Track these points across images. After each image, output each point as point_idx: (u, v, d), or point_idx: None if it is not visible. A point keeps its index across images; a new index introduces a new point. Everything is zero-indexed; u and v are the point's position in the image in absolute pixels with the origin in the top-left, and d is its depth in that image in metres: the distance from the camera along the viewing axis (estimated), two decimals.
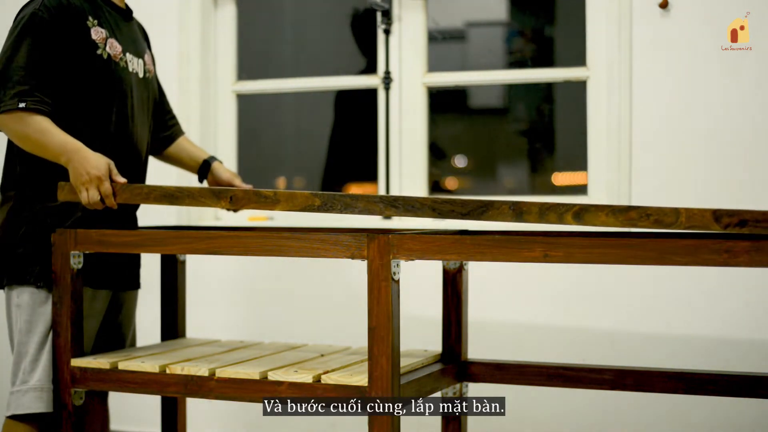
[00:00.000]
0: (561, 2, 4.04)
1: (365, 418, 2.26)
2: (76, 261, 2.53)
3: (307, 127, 4.26)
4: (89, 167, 2.45)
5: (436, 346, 3.02)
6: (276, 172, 4.44)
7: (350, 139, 4.18)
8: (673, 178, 3.27)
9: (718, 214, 1.97)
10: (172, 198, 2.40)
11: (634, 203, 3.30)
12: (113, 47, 2.63)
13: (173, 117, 3.03)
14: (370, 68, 3.83)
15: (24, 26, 2.50)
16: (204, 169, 2.94)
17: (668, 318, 3.29)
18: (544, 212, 2.09)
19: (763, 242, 1.96)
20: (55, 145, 2.47)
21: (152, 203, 2.44)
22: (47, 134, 2.47)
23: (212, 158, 2.95)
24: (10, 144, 2.61)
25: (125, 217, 2.75)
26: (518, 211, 2.10)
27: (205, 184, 2.97)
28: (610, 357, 3.29)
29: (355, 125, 4.10)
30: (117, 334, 2.82)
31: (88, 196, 2.46)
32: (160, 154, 3.01)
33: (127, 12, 2.79)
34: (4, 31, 2.62)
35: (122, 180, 2.49)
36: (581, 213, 2.06)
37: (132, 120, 2.69)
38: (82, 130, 2.58)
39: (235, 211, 2.57)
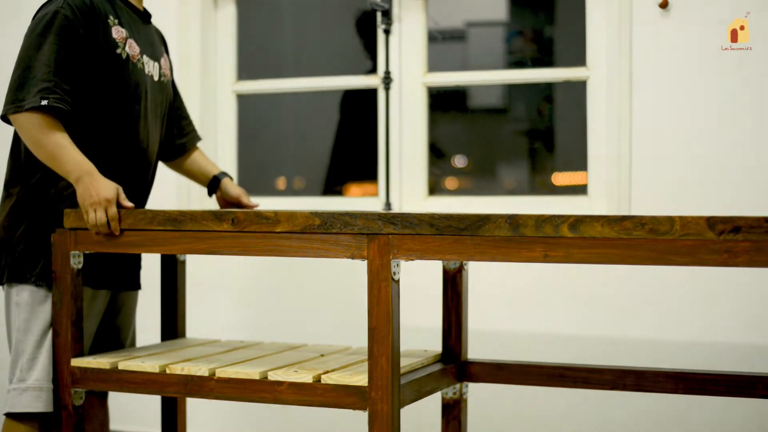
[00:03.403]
0: (561, 2, 4.04)
1: (365, 418, 2.26)
2: (76, 261, 2.53)
3: (307, 127, 4.26)
4: (99, 189, 2.46)
5: (436, 346, 3.02)
6: (276, 172, 4.45)
7: (351, 138, 4.19)
8: (674, 179, 3.27)
9: (712, 222, 2.00)
10: (176, 222, 2.43)
11: (634, 203, 3.30)
12: (132, 47, 2.64)
13: (190, 123, 3.03)
14: (371, 68, 3.84)
15: (47, 24, 2.50)
16: (213, 184, 2.96)
17: (668, 320, 3.29)
18: (540, 225, 2.12)
19: (763, 242, 1.96)
20: (70, 162, 2.48)
21: (156, 228, 2.46)
22: (63, 149, 2.48)
23: (222, 174, 2.97)
24: (16, 141, 2.61)
25: None
26: (514, 225, 2.14)
27: (213, 198, 3.00)
28: (610, 358, 3.30)
29: (356, 125, 4.10)
30: (115, 336, 2.82)
31: (96, 217, 2.47)
32: (172, 161, 3.01)
33: (146, 15, 2.80)
34: (18, 29, 2.63)
35: (130, 204, 2.50)
36: (577, 224, 2.10)
37: (144, 122, 2.69)
38: (94, 128, 2.58)
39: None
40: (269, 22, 4.32)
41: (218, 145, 3.94)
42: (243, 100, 3.99)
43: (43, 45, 2.49)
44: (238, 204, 2.92)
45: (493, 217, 2.15)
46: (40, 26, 2.51)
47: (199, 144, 3.05)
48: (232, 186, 2.95)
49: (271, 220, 2.33)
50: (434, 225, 2.19)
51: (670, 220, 2.02)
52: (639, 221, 2.05)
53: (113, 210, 2.47)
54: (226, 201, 2.94)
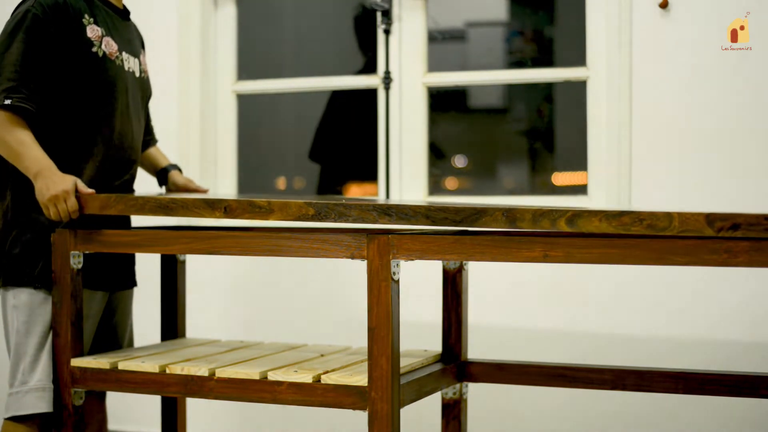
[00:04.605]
0: (561, 2, 4.04)
1: (365, 418, 2.26)
2: (76, 261, 2.53)
3: (307, 127, 4.26)
4: (56, 182, 2.48)
5: (436, 346, 3.02)
6: (276, 172, 4.45)
7: (350, 138, 4.18)
8: (673, 178, 3.27)
9: (711, 218, 1.96)
10: (167, 209, 2.42)
11: (634, 203, 3.30)
12: (109, 45, 2.65)
13: (150, 121, 3.06)
14: (371, 68, 3.83)
15: (17, 23, 2.52)
16: (162, 175, 3.01)
17: (668, 319, 3.29)
18: (537, 218, 2.09)
19: (763, 242, 1.96)
20: (29, 158, 2.49)
21: (147, 214, 2.45)
22: (25, 146, 2.50)
23: (171, 166, 3.01)
24: None
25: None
26: (511, 218, 2.11)
27: (163, 189, 3.04)
28: (610, 358, 3.29)
29: (354, 124, 4.09)
30: (113, 335, 2.82)
31: (57, 211, 2.50)
32: None
33: (125, 12, 2.81)
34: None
35: (89, 191, 2.51)
36: (574, 219, 2.06)
37: (127, 117, 2.70)
38: (77, 127, 2.59)
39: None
40: (269, 22, 4.32)
41: (218, 145, 3.94)
42: (243, 100, 3.99)
43: (11, 45, 2.51)
44: (186, 191, 2.95)
45: (489, 210, 2.13)
46: (11, 26, 2.54)
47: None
48: (179, 176, 2.99)
49: (264, 209, 2.32)
50: (430, 217, 2.17)
51: (669, 216, 1.99)
52: (637, 217, 2.01)
53: (71, 201, 2.48)
54: (174, 191, 2.98)
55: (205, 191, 2.96)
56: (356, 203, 2.24)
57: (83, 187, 2.51)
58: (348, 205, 2.23)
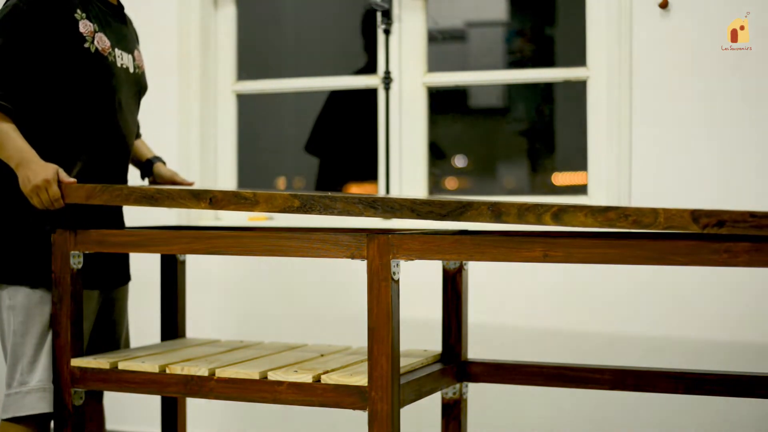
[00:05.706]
0: (561, 2, 4.04)
1: (365, 418, 2.26)
2: (76, 261, 2.53)
3: (307, 127, 4.26)
4: (37, 172, 2.47)
5: (436, 346, 3.02)
6: (276, 172, 4.45)
7: (349, 138, 4.19)
8: (673, 179, 3.27)
9: (696, 215, 1.95)
10: (152, 200, 2.40)
11: (634, 203, 3.30)
12: (102, 41, 2.62)
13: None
14: (371, 67, 3.83)
15: (3, 18, 2.50)
16: (147, 167, 2.98)
17: (668, 319, 3.29)
18: (522, 213, 2.06)
19: (763, 242, 1.95)
20: (11, 148, 2.49)
21: (132, 205, 2.44)
22: (6, 137, 2.49)
23: (156, 158, 2.99)
24: None
25: (110, 212, 2.74)
26: (497, 212, 2.08)
27: (146, 181, 3.01)
28: (610, 358, 3.29)
29: (354, 124, 4.10)
30: (112, 332, 2.81)
31: (40, 201, 2.49)
32: None
33: (118, 8, 2.79)
34: None
35: (69, 180, 2.50)
36: (560, 214, 2.04)
37: (120, 114, 2.68)
38: (70, 123, 2.57)
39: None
40: (269, 22, 4.32)
41: (218, 144, 3.94)
42: (243, 100, 3.99)
43: None
44: (172, 183, 2.93)
45: (475, 204, 2.11)
46: None
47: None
48: (164, 168, 2.97)
49: (249, 201, 2.30)
50: (415, 210, 2.16)
51: (654, 212, 1.97)
52: (623, 212, 1.99)
53: (53, 190, 2.47)
54: (160, 183, 2.96)
55: (190, 184, 2.94)
56: (342, 196, 2.23)
57: (65, 176, 2.50)
58: (334, 198, 2.22)
